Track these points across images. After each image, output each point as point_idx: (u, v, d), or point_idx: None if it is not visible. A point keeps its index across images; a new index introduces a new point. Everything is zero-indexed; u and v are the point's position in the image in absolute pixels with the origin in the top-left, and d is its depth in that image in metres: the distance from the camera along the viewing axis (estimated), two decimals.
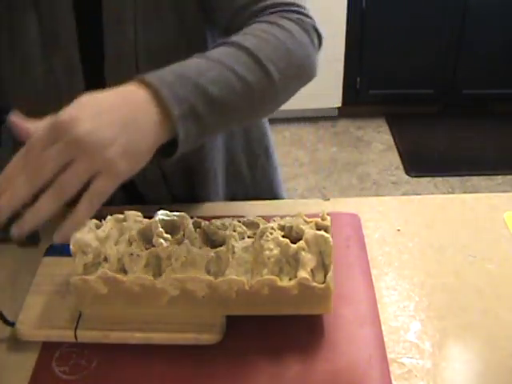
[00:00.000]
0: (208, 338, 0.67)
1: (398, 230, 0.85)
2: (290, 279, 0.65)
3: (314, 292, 0.65)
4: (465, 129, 3.03)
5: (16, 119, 0.57)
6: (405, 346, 0.68)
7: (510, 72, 2.96)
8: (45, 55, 0.80)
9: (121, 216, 0.72)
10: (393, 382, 0.63)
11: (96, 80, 0.81)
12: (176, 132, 0.56)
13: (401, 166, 2.77)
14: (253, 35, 0.66)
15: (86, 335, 0.68)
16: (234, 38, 0.65)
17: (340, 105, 3.03)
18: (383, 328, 0.69)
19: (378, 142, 2.96)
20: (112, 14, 0.78)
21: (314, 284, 0.64)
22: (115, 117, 0.53)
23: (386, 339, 0.68)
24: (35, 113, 0.82)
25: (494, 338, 0.68)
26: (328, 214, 0.72)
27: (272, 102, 0.67)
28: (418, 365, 0.65)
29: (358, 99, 3.05)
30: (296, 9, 0.73)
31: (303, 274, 0.64)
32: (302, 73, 0.70)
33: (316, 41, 0.72)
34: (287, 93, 0.69)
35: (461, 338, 0.69)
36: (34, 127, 0.55)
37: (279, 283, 0.64)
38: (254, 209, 0.88)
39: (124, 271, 0.67)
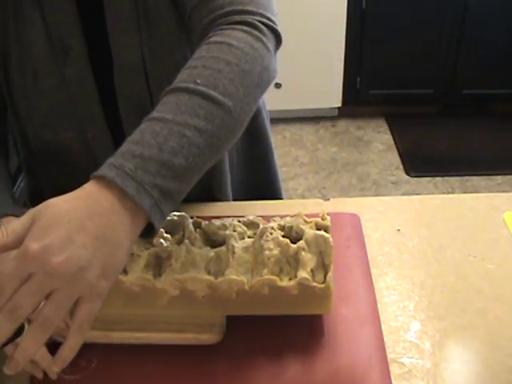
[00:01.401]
0: (208, 337, 0.67)
1: (398, 230, 0.85)
2: (290, 279, 0.65)
3: (314, 292, 0.65)
4: (465, 129, 3.02)
5: None
6: (405, 346, 0.68)
7: (509, 72, 2.96)
8: (56, 67, 0.79)
9: None
10: (393, 382, 0.63)
11: (107, 88, 0.80)
12: (150, 220, 0.54)
13: (401, 166, 2.77)
14: (204, 67, 0.61)
15: (86, 335, 0.68)
16: (185, 81, 0.60)
17: (340, 105, 3.03)
18: (383, 328, 0.69)
19: (378, 142, 2.95)
20: (115, 22, 0.78)
21: (314, 284, 0.64)
22: (86, 236, 0.49)
23: (386, 339, 0.68)
24: (49, 126, 0.82)
25: (493, 338, 0.68)
26: (328, 214, 0.72)
27: (238, 129, 0.64)
28: (418, 365, 0.65)
29: (358, 99, 3.05)
30: (249, 8, 0.68)
31: (303, 273, 0.64)
32: (262, 86, 0.66)
33: (271, 43, 0.68)
34: (250, 111, 0.65)
35: (461, 338, 0.69)
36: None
37: (279, 283, 0.64)
38: (254, 209, 0.88)
39: (124, 271, 0.67)
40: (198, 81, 0.60)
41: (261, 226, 0.70)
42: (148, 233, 0.55)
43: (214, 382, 0.64)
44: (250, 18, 0.67)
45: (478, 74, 2.96)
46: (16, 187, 1.36)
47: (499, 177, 2.70)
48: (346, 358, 0.66)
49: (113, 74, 0.80)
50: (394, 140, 2.95)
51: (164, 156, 0.54)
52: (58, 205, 0.51)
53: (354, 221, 0.86)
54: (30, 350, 0.49)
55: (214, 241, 0.70)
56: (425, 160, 2.82)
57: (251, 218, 0.73)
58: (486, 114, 3.10)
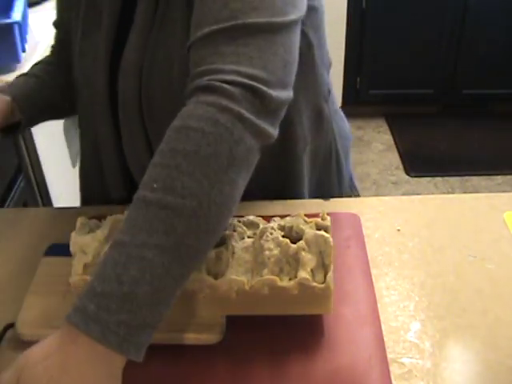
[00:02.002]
0: (208, 338, 0.67)
1: (398, 230, 0.85)
2: (290, 279, 0.65)
3: (314, 292, 0.65)
4: (465, 129, 3.03)
5: None
6: (405, 346, 0.68)
7: (509, 72, 2.96)
8: (87, 35, 0.84)
9: (121, 216, 0.72)
10: (393, 382, 0.63)
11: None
12: (125, 355, 0.53)
13: (401, 166, 2.77)
14: (161, 166, 0.55)
15: None
16: (143, 189, 0.55)
17: (340, 105, 3.02)
18: (383, 328, 0.69)
19: (378, 142, 2.96)
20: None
21: (314, 284, 0.64)
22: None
23: (386, 339, 0.68)
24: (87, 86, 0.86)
25: (493, 338, 0.68)
26: (328, 214, 0.72)
27: (213, 224, 0.57)
28: (418, 365, 0.65)
29: (358, 99, 3.05)
30: (214, 78, 0.59)
31: (303, 274, 0.64)
32: (236, 165, 0.57)
33: (248, 106, 0.58)
34: (227, 198, 0.58)
35: (461, 338, 0.69)
36: None
37: (279, 283, 0.64)
38: (254, 209, 0.88)
39: None
40: (155, 185, 0.54)
41: (261, 226, 0.70)
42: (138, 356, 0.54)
43: (214, 382, 0.64)
44: (217, 81, 0.58)
45: (478, 74, 2.96)
46: (16, 187, 1.36)
47: (499, 177, 2.70)
48: (346, 357, 0.66)
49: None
50: (394, 140, 2.95)
51: (125, 289, 0.51)
52: (37, 365, 0.51)
53: (354, 221, 0.86)
54: None
55: None
56: (425, 160, 2.82)
57: (251, 217, 0.73)
58: (486, 114, 3.10)
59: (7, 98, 0.86)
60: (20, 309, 0.71)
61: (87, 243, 0.66)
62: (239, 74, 0.59)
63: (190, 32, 0.65)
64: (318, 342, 0.67)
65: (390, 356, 0.66)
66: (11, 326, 0.69)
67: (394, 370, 0.65)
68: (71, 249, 0.67)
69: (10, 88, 0.90)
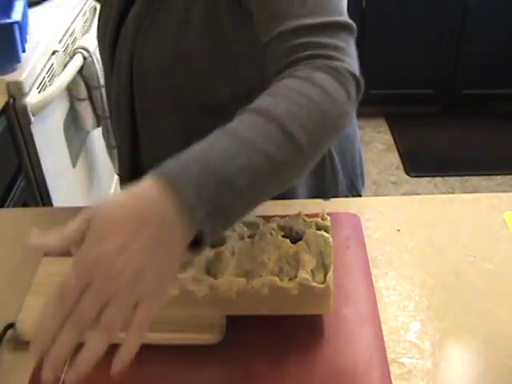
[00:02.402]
0: (208, 338, 0.67)
1: (398, 230, 0.85)
2: (290, 279, 0.65)
3: (314, 292, 0.65)
4: (465, 129, 3.02)
5: (34, 241, 0.54)
6: (405, 346, 0.68)
7: (509, 72, 2.96)
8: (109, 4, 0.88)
9: None
10: (393, 382, 0.63)
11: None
12: (202, 231, 0.52)
13: (401, 166, 2.77)
14: (285, 98, 0.59)
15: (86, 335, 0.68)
16: (265, 105, 0.59)
17: None
18: (383, 328, 0.69)
19: (378, 142, 2.95)
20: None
21: (314, 284, 0.64)
22: (142, 243, 0.49)
23: (386, 339, 0.68)
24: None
25: (493, 338, 0.68)
26: (328, 214, 0.72)
27: (303, 169, 0.62)
28: (417, 365, 0.65)
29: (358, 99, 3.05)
30: (333, 54, 0.65)
31: (303, 274, 0.64)
32: (335, 133, 0.63)
33: (353, 90, 0.64)
34: (321, 153, 0.63)
35: (461, 338, 0.69)
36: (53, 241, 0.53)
37: (279, 283, 0.64)
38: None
39: None
40: (279, 110, 0.58)
41: (261, 227, 0.70)
42: (195, 245, 0.53)
43: (213, 382, 0.64)
44: (334, 64, 0.64)
45: (478, 74, 2.96)
46: (16, 187, 1.36)
47: (499, 177, 2.70)
48: (346, 357, 0.66)
49: None
50: (394, 140, 2.95)
51: (228, 172, 0.52)
52: (113, 210, 0.50)
53: (354, 221, 0.86)
54: (94, 353, 0.49)
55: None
56: (425, 160, 2.82)
57: (251, 217, 0.73)
58: (486, 114, 3.10)
59: None
60: (20, 309, 0.71)
61: None
62: (346, 62, 0.65)
63: (261, 28, 0.69)
64: (318, 342, 0.67)
65: (389, 356, 0.66)
66: (11, 326, 0.69)
67: (394, 370, 0.65)
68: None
69: None
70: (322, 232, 0.67)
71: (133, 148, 0.93)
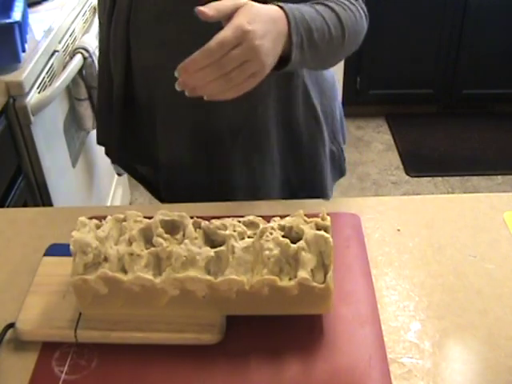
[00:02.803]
0: (208, 338, 0.67)
1: (398, 230, 0.85)
2: (290, 279, 0.65)
3: (314, 292, 0.65)
4: (465, 129, 3.02)
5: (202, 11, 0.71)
6: (405, 346, 0.68)
7: (509, 72, 2.96)
8: None
9: (121, 216, 0.72)
10: (393, 382, 0.63)
11: None
12: (289, 53, 0.77)
13: (401, 166, 2.77)
14: (340, 6, 0.85)
15: (86, 335, 0.68)
16: (330, 4, 0.84)
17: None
18: (383, 328, 0.69)
19: (378, 141, 2.95)
20: None
21: (314, 284, 0.64)
22: (273, 34, 0.73)
23: (386, 339, 0.68)
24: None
25: (493, 338, 0.68)
26: (328, 214, 0.72)
27: (337, 56, 0.89)
28: (417, 365, 0.65)
29: (358, 99, 3.04)
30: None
31: (303, 274, 0.64)
32: (357, 41, 0.90)
33: (366, 21, 0.92)
34: (345, 53, 0.90)
35: (461, 338, 0.69)
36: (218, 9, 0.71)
37: (279, 283, 0.64)
38: (253, 209, 0.88)
39: (124, 271, 0.67)
40: (338, 10, 0.84)
41: (261, 226, 0.70)
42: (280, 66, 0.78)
43: (214, 382, 0.64)
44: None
45: (478, 74, 2.96)
46: (16, 187, 1.36)
47: (499, 177, 2.70)
48: (345, 357, 0.66)
49: None
50: (394, 140, 2.95)
51: (312, 25, 0.79)
52: (260, 8, 0.73)
53: (354, 221, 0.86)
54: (210, 87, 0.70)
55: (213, 241, 0.70)
56: (425, 160, 2.82)
57: (251, 217, 0.73)
58: (485, 114, 3.10)
59: None
60: (20, 309, 0.71)
61: (87, 243, 0.66)
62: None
63: None
64: (318, 342, 0.67)
65: (389, 356, 0.66)
66: (11, 326, 0.69)
67: (394, 370, 0.65)
68: (71, 248, 0.67)
69: None
70: (322, 232, 0.67)
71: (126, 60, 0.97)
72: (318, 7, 0.82)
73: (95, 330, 0.68)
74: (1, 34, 1.33)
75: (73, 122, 1.69)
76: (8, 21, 1.33)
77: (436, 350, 0.67)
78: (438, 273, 0.77)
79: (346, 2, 0.87)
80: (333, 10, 0.83)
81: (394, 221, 0.86)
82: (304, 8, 0.80)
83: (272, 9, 0.75)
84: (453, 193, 2.55)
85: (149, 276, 0.65)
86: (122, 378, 0.65)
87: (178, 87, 0.70)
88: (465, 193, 2.54)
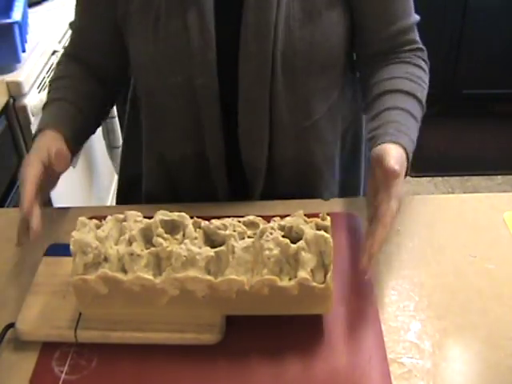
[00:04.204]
0: (208, 338, 0.67)
1: (398, 230, 0.85)
2: (290, 279, 0.65)
3: (313, 292, 0.65)
4: (465, 129, 3.02)
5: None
6: (405, 346, 0.68)
7: (509, 72, 2.96)
8: (179, 13, 0.82)
9: (121, 216, 0.72)
10: (393, 382, 0.63)
11: (229, 45, 0.83)
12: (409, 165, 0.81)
13: None
14: (412, 81, 0.89)
15: (86, 335, 0.68)
16: (407, 88, 0.87)
17: None
18: (383, 328, 0.69)
19: None
20: None
21: (314, 284, 0.64)
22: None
23: (386, 339, 0.68)
24: (161, 71, 0.86)
25: (493, 338, 0.68)
26: (328, 214, 0.72)
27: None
28: (417, 365, 0.65)
29: None
30: (421, 46, 0.94)
31: (303, 274, 0.64)
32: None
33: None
34: None
35: (461, 338, 0.69)
36: None
37: (279, 283, 0.64)
38: (254, 209, 0.88)
39: (124, 271, 0.67)
40: (415, 92, 0.87)
41: (261, 226, 0.70)
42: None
43: (214, 382, 0.64)
44: (420, 51, 0.94)
45: (478, 74, 2.96)
46: (16, 187, 1.36)
47: (499, 177, 2.69)
48: (345, 357, 0.66)
49: (239, 30, 0.82)
50: None
51: (413, 136, 0.83)
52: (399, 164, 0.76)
53: (354, 221, 0.86)
54: (382, 240, 0.70)
55: (213, 241, 0.70)
56: (425, 160, 2.81)
57: (251, 217, 0.73)
58: (485, 114, 3.10)
59: (64, 148, 0.83)
60: (20, 309, 0.71)
61: (87, 243, 0.66)
62: (424, 50, 0.95)
63: (383, 27, 0.91)
64: (317, 342, 0.67)
65: (389, 356, 0.66)
66: (11, 326, 0.70)
67: (394, 370, 0.65)
68: (72, 248, 0.67)
69: (54, 123, 0.86)
70: (322, 232, 0.67)
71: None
72: (410, 105, 0.86)
73: (95, 330, 0.68)
74: (1, 34, 1.33)
75: None
76: (8, 21, 1.33)
77: (436, 350, 0.67)
78: (437, 273, 0.77)
79: (422, 74, 0.91)
80: (419, 101, 0.88)
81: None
82: (408, 123, 0.83)
83: (401, 156, 0.77)
84: (453, 193, 2.55)
85: (149, 276, 0.65)
86: (122, 378, 0.65)
87: (367, 276, 0.71)
88: (465, 193, 2.54)
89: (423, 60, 0.94)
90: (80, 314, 0.69)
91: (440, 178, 2.69)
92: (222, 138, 0.89)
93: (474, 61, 2.92)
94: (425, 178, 2.69)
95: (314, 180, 0.97)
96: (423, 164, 2.79)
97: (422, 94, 0.89)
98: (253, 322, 0.68)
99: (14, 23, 1.33)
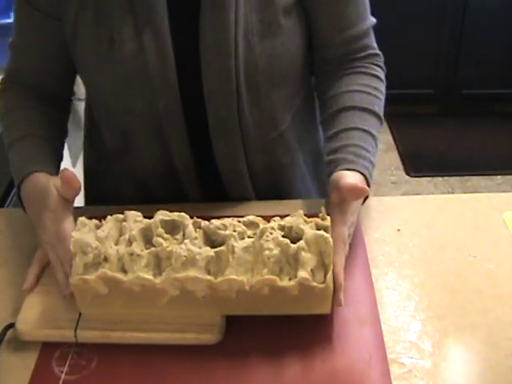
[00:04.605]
0: (208, 338, 0.67)
1: (398, 230, 0.85)
2: (290, 279, 0.65)
3: (314, 292, 0.65)
4: (465, 129, 3.02)
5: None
6: (405, 346, 0.68)
7: (509, 72, 2.96)
8: (134, 35, 0.79)
9: (121, 216, 0.72)
10: (393, 382, 0.63)
11: (190, 65, 0.81)
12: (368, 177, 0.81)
13: (401, 166, 2.77)
14: (369, 94, 0.88)
15: (86, 335, 0.68)
16: (364, 104, 0.87)
17: None
18: (383, 328, 0.69)
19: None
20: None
21: (314, 284, 0.64)
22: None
23: (385, 339, 0.68)
24: (120, 95, 0.84)
25: (494, 338, 0.68)
26: (328, 214, 0.72)
27: None
28: (417, 365, 0.65)
29: None
30: (377, 52, 0.94)
31: (303, 273, 0.64)
32: None
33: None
34: None
35: (461, 338, 0.69)
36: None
37: (279, 283, 0.64)
38: (253, 209, 0.88)
39: (124, 271, 0.67)
40: (376, 107, 0.88)
41: (261, 226, 0.70)
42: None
43: (213, 382, 0.64)
44: (377, 57, 0.94)
45: (478, 74, 2.96)
46: (15, 188, 1.36)
47: (499, 177, 2.70)
48: (345, 358, 0.66)
49: (198, 49, 0.80)
50: (394, 140, 2.95)
51: (371, 158, 0.83)
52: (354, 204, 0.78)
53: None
54: (343, 263, 0.70)
55: (213, 241, 0.70)
56: (425, 160, 2.82)
57: (251, 217, 0.73)
58: (486, 114, 3.10)
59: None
60: (20, 309, 0.71)
61: (87, 243, 0.66)
62: (380, 56, 0.96)
63: (336, 32, 0.89)
64: (318, 342, 0.67)
65: (389, 356, 0.66)
66: (11, 326, 0.69)
67: (394, 370, 0.65)
68: (71, 248, 0.67)
69: (39, 166, 0.81)
70: (322, 232, 0.67)
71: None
72: (368, 124, 0.86)
73: (95, 330, 0.68)
74: (1, 34, 1.33)
75: (73, 121, 1.68)
76: (8, 21, 1.33)
77: (436, 350, 0.67)
78: (437, 273, 0.77)
79: (379, 84, 0.90)
80: (377, 115, 0.89)
81: (394, 221, 0.86)
82: (366, 146, 0.84)
83: (361, 181, 0.78)
84: (453, 193, 2.55)
85: (149, 276, 0.65)
86: (122, 378, 0.65)
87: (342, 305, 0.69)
88: (465, 193, 2.54)
89: (379, 67, 0.92)
90: (80, 314, 0.69)
91: (440, 178, 2.70)
92: (191, 154, 0.88)
93: (474, 61, 2.92)
94: (425, 178, 2.70)
95: (284, 184, 0.96)
96: (423, 164, 2.79)
97: (380, 106, 0.89)
98: (253, 322, 0.68)
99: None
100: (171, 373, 0.65)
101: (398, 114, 3.10)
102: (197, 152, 0.88)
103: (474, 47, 2.88)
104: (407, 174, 2.72)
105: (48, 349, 0.68)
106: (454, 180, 2.68)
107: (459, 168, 2.75)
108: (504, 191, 2.55)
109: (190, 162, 0.89)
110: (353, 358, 0.66)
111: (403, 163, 2.78)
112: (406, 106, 3.09)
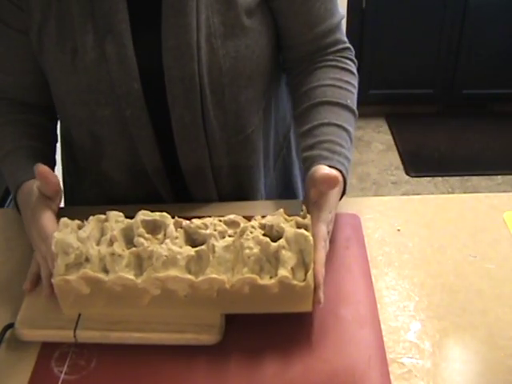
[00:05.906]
0: (207, 338, 0.67)
1: (398, 230, 0.85)
2: (271, 278, 0.65)
3: (294, 290, 0.65)
4: (465, 129, 3.03)
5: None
6: (405, 346, 0.68)
7: (509, 72, 2.96)
8: (96, 44, 0.79)
9: (102, 216, 0.71)
10: (393, 382, 0.63)
11: (154, 71, 0.80)
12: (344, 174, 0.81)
13: (401, 166, 2.77)
14: (341, 88, 0.88)
15: (86, 335, 0.68)
16: (336, 98, 0.86)
17: None
18: (383, 328, 0.69)
19: (377, 142, 2.96)
20: (171, 4, 0.78)
21: (295, 282, 0.64)
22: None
23: (385, 339, 0.68)
24: (86, 103, 0.83)
25: (493, 338, 0.68)
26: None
27: None
28: (417, 365, 0.65)
29: (358, 99, 3.04)
30: (347, 46, 0.92)
31: (283, 272, 0.64)
32: None
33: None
34: None
35: (461, 338, 0.69)
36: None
37: (259, 282, 0.64)
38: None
39: (106, 271, 0.66)
40: (348, 101, 0.87)
41: (241, 225, 0.70)
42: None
43: (213, 382, 0.64)
44: (348, 50, 0.92)
45: (478, 74, 2.96)
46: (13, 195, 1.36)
47: (499, 177, 2.70)
48: (345, 358, 0.66)
49: (161, 55, 0.80)
50: (394, 140, 2.95)
51: (348, 155, 0.83)
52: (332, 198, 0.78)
53: (354, 221, 0.86)
54: (323, 261, 0.69)
55: (194, 240, 0.70)
56: (425, 160, 2.82)
57: (232, 216, 0.72)
58: (486, 114, 3.10)
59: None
60: (20, 309, 0.71)
61: (69, 243, 0.66)
62: (351, 49, 0.93)
63: (307, 29, 0.88)
64: (317, 343, 0.67)
65: (389, 356, 0.66)
66: (11, 326, 0.69)
67: (394, 370, 0.65)
68: (53, 249, 0.66)
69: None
70: (302, 230, 0.67)
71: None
72: (342, 118, 0.85)
73: (95, 330, 0.68)
74: None
75: None
76: None
77: (436, 350, 0.67)
78: (437, 273, 0.77)
79: (351, 78, 0.90)
80: (350, 109, 0.87)
81: (394, 221, 0.86)
82: (341, 141, 0.83)
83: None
84: (453, 193, 2.55)
85: (130, 276, 0.65)
86: (122, 378, 0.65)
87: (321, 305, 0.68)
88: (465, 193, 2.54)
89: (351, 60, 0.92)
90: (79, 314, 0.69)
91: (440, 178, 2.70)
92: (160, 158, 0.87)
93: (474, 61, 2.92)
94: (425, 178, 2.70)
95: (249, 186, 0.96)
96: (423, 164, 2.79)
97: (352, 100, 0.88)
98: (253, 322, 0.68)
99: None
100: (171, 373, 0.65)
101: (398, 114, 3.10)
102: (167, 155, 0.88)
103: (474, 47, 2.88)
104: (407, 173, 2.72)
105: (47, 349, 0.68)
106: (454, 180, 2.68)
107: (459, 168, 2.76)
108: (504, 191, 2.55)
109: (159, 166, 0.89)
110: (352, 358, 0.65)
111: (403, 163, 2.78)
112: (406, 106, 3.09)
